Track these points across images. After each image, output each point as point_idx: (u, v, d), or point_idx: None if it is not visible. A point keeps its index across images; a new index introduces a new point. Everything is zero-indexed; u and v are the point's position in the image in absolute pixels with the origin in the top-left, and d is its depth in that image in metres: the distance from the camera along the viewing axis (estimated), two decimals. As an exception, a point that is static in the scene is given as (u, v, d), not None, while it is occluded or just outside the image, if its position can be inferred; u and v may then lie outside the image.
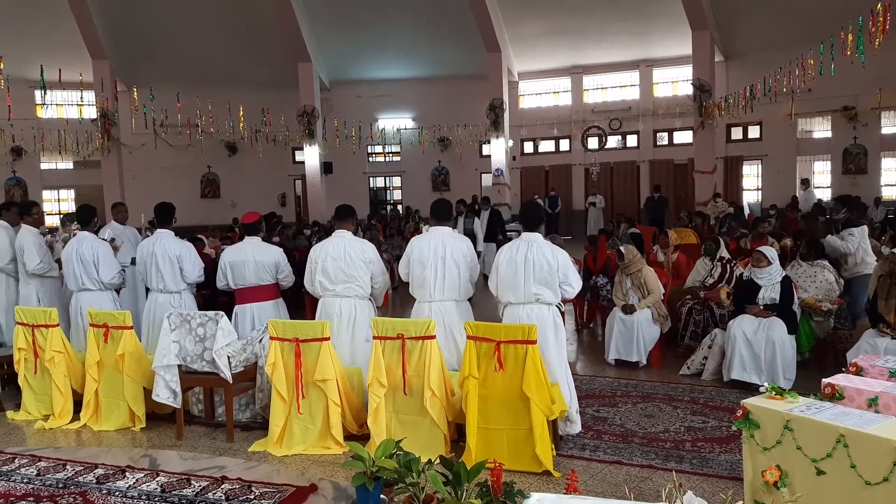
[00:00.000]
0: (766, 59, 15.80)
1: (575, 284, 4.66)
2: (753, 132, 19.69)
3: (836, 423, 2.93)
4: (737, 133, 19.95)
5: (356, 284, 5.17)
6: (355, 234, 5.55)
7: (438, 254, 4.93)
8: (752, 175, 20.36)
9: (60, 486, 4.11)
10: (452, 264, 4.94)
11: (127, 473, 4.25)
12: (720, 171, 18.97)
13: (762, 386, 3.40)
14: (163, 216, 6.06)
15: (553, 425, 4.35)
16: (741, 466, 3.44)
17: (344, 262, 5.15)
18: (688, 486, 3.27)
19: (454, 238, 5.07)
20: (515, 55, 20.79)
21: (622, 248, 6.87)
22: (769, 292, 5.79)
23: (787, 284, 5.81)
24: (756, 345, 5.58)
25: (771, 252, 5.96)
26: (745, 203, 19.04)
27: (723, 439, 4.62)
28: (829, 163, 19.04)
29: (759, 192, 20.10)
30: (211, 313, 4.96)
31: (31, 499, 3.93)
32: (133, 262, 6.70)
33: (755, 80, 14.60)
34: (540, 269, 4.56)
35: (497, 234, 12.59)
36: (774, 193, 18.78)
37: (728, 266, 7.14)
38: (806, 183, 17.44)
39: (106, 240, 6.50)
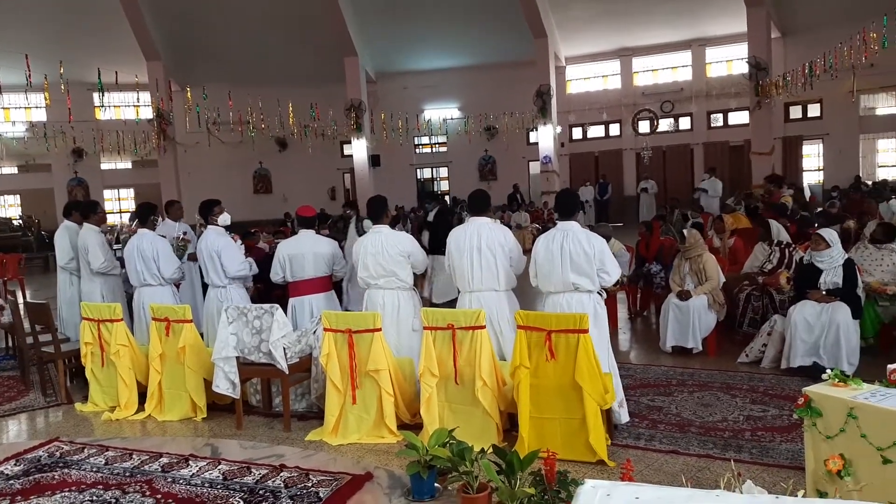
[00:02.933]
0: (825, 33, 15.22)
1: (612, 272, 4.59)
2: (813, 110, 19.00)
3: (904, 411, 2.82)
4: (796, 112, 19.28)
5: (396, 278, 5.21)
6: (396, 225, 5.54)
7: (473, 243, 4.90)
8: (812, 155, 19.67)
9: (128, 474, 4.27)
10: (488, 253, 4.89)
11: (190, 462, 4.39)
12: (778, 152, 18.38)
13: (825, 372, 3.30)
14: (205, 212, 6.17)
15: (607, 415, 4.31)
16: (803, 456, 3.36)
17: (382, 257, 5.18)
18: (747, 476, 3.20)
19: (490, 227, 5.02)
20: (562, 40, 20.53)
21: (685, 231, 6.73)
22: (831, 276, 5.59)
23: (849, 268, 5.60)
24: (818, 330, 5.40)
25: (831, 234, 5.75)
26: (805, 185, 18.41)
27: (784, 428, 4.50)
28: (893, 140, 18.26)
29: (821, 172, 19.40)
30: (266, 306, 5.07)
31: (101, 486, 4.10)
32: (190, 257, 6.89)
33: (814, 56, 14.09)
34: (577, 258, 4.50)
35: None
36: (837, 174, 18.09)
37: (787, 250, 6.93)
38: (712, 171, 16.54)
39: (178, 235, 6.69)
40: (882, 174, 18.28)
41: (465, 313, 4.52)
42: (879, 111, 18.48)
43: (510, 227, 7.68)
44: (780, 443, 4.27)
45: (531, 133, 21.04)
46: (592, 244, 4.51)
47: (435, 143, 23.44)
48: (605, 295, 4.82)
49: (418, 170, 23.94)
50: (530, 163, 21.79)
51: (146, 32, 19.47)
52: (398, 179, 21.85)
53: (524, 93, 19.32)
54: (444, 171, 23.94)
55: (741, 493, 2.45)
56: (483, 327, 4.40)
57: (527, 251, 5.26)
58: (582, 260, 4.50)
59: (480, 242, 4.90)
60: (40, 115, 21.18)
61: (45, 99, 15.09)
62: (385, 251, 5.18)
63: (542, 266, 4.65)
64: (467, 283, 4.98)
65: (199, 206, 6.23)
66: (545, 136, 19.33)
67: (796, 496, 2.06)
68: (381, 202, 5.49)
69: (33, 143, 19.89)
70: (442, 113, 22.39)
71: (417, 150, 23.63)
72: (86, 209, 7.05)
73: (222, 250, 5.96)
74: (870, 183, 16.58)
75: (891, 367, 3.29)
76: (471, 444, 3.67)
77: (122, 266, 6.70)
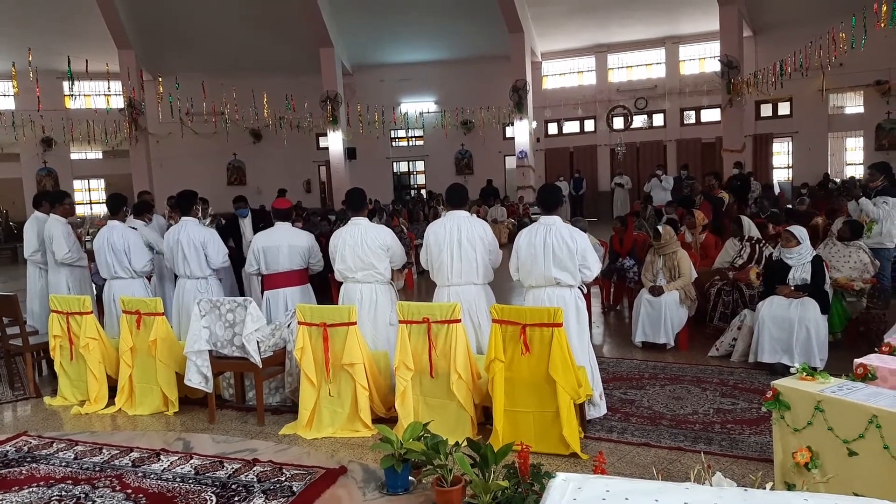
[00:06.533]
0: (796, 33, 15.43)
1: (594, 268, 4.62)
2: (783, 109, 19.28)
3: (869, 404, 2.89)
4: (766, 110, 19.54)
5: (374, 271, 5.19)
6: (374, 218, 5.53)
7: (454, 237, 4.91)
8: (782, 153, 19.97)
9: (97, 469, 4.21)
10: (469, 247, 4.91)
11: (161, 456, 4.35)
12: (749, 149, 18.63)
13: (792, 367, 3.36)
14: (185, 204, 6.11)
15: (580, 408, 4.35)
16: (771, 448, 3.42)
17: (361, 249, 5.16)
18: (717, 468, 3.26)
19: (470, 221, 5.02)
20: (538, 35, 20.56)
21: (660, 228, 6.80)
22: (800, 272, 5.69)
23: (818, 264, 5.71)
24: (786, 325, 5.50)
25: (800, 231, 5.85)
26: (775, 182, 18.69)
27: (753, 421, 4.58)
28: (861, 139, 18.60)
29: (790, 170, 19.72)
30: (240, 299, 5.03)
31: (70, 482, 4.04)
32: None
33: (785, 55, 14.27)
34: (559, 253, 4.52)
35: None
36: (805, 171, 18.40)
37: (758, 246, 7.04)
38: (662, 168, 16.87)
39: (134, 227, 6.58)
40: (850, 172, 18.62)
41: (441, 307, 4.52)
42: (848, 110, 18.80)
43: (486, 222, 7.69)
44: (749, 435, 4.35)
45: (507, 128, 21.06)
46: (575, 239, 4.53)
47: (411, 137, 23.34)
48: (585, 290, 4.85)
49: (395, 163, 23.83)
50: (506, 157, 21.82)
51: (117, 20, 19.04)
52: (374, 173, 21.73)
53: (500, 87, 19.31)
54: (420, 165, 23.86)
55: (711, 485, 2.49)
56: (458, 321, 4.41)
57: (501, 245, 5.28)
58: (564, 255, 4.51)
59: (461, 236, 4.90)
60: (8, 104, 20.66)
61: (14, 87, 14.75)
62: (364, 244, 5.16)
63: (524, 260, 4.66)
64: (446, 277, 4.97)
65: (180, 198, 6.14)
66: (521, 131, 19.36)
67: (765, 488, 2.10)
68: (360, 194, 5.47)
69: (1, 133, 19.41)
70: (418, 106, 22.29)
71: (394, 144, 23.52)
72: (53, 199, 6.92)
73: (208, 242, 5.90)
74: (838, 181, 16.88)
75: (857, 361, 3.36)
76: (445, 438, 3.68)
77: (92, 258, 6.58)
